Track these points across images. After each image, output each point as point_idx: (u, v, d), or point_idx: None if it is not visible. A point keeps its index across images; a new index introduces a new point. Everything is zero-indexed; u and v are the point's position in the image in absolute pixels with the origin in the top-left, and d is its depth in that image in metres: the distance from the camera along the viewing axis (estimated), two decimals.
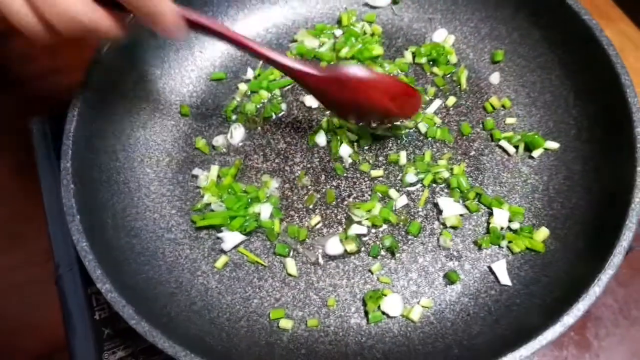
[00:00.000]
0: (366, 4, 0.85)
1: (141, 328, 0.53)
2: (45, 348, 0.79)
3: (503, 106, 0.76)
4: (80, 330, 0.70)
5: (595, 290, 0.53)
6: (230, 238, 0.68)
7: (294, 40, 0.83)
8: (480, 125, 0.75)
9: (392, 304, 0.63)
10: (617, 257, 0.54)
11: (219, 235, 0.69)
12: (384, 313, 0.63)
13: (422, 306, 0.63)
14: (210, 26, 0.60)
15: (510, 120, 0.74)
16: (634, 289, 0.81)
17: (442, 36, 0.81)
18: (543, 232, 0.65)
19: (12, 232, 0.91)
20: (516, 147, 0.72)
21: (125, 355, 0.68)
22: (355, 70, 0.65)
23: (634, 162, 0.59)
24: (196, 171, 0.74)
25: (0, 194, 0.95)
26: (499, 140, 0.73)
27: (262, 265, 0.67)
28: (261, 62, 0.82)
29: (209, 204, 0.71)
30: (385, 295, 0.63)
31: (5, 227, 0.91)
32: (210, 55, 0.82)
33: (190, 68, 0.80)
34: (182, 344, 0.52)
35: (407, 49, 0.81)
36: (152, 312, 0.57)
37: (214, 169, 0.73)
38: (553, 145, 0.71)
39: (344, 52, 0.80)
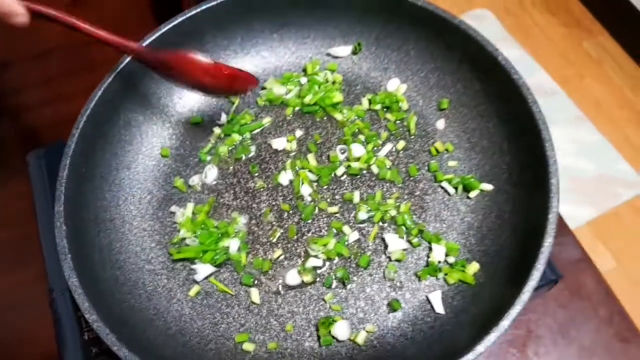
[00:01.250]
0: (329, 54, 0.94)
1: (122, 353, 0.61)
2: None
3: (446, 150, 0.84)
4: (71, 348, 0.79)
5: (504, 324, 0.62)
6: (203, 269, 0.77)
7: (264, 88, 0.92)
8: (426, 167, 0.84)
9: (340, 330, 0.72)
10: (525, 294, 0.63)
11: (193, 266, 0.78)
12: (334, 337, 0.72)
13: (367, 331, 0.72)
14: (47, 13, 0.70)
15: (452, 163, 0.83)
16: (573, 311, 0.90)
17: (395, 85, 0.90)
18: (474, 266, 0.74)
19: (14, 254, 1.00)
20: (456, 188, 0.81)
21: None
22: (180, 53, 0.75)
23: (546, 210, 0.68)
24: (174, 208, 0.83)
25: (3, 218, 1.03)
26: (441, 181, 0.82)
27: (229, 293, 0.76)
28: (234, 107, 0.91)
29: (184, 239, 0.80)
30: (336, 322, 0.72)
31: (7, 250, 0.99)
32: (188, 102, 0.90)
33: (170, 114, 0.89)
34: None
35: (364, 96, 0.90)
36: (132, 337, 0.66)
37: (190, 207, 0.82)
38: (487, 187, 0.79)
39: (308, 99, 0.89)
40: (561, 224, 0.96)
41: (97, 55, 0.80)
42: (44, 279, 0.86)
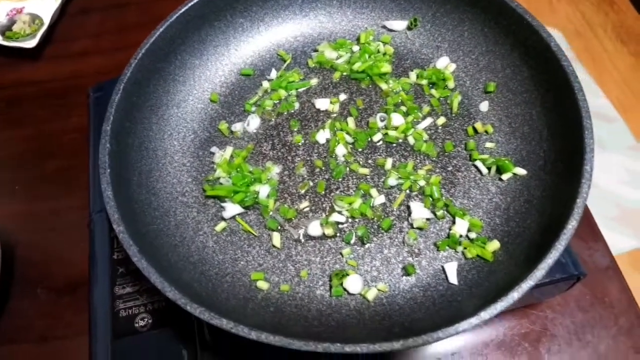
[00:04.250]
0: (384, 27, 0.94)
1: (141, 264, 0.64)
2: (73, 278, 0.92)
3: (486, 131, 0.83)
4: (101, 265, 0.83)
5: (514, 295, 0.60)
6: (231, 208, 0.79)
7: (316, 50, 0.93)
8: (462, 145, 0.83)
9: (353, 283, 0.72)
10: (539, 271, 0.61)
11: (223, 204, 0.79)
12: (345, 289, 0.72)
13: (378, 289, 0.72)
14: None
15: (489, 145, 0.82)
16: (593, 315, 0.87)
17: (444, 63, 0.89)
18: (494, 244, 0.72)
19: (62, 182, 1.05)
20: (489, 168, 0.79)
21: (132, 291, 0.80)
22: None
23: (575, 195, 0.66)
24: (214, 149, 0.85)
25: (59, 148, 1.09)
26: (475, 160, 0.80)
27: (253, 234, 0.78)
28: (285, 65, 0.92)
29: (219, 178, 0.82)
30: (349, 275, 0.72)
31: (56, 178, 1.05)
32: (243, 53, 0.93)
33: (224, 62, 0.92)
34: (171, 282, 0.63)
35: (412, 70, 0.90)
36: (154, 255, 0.68)
37: (229, 150, 0.84)
38: (521, 171, 0.78)
39: (357, 66, 0.89)
40: (595, 230, 0.93)
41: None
42: (87, 208, 0.90)
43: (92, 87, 1.01)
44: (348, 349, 0.57)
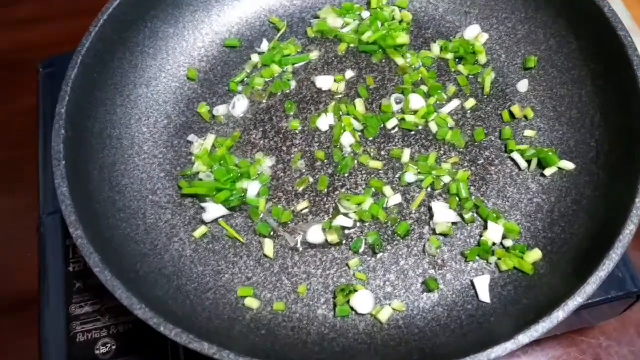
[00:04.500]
0: None
1: (103, 277, 0.65)
2: (19, 295, 0.93)
3: (525, 116, 0.84)
4: (53, 279, 0.84)
5: (558, 315, 0.61)
6: (213, 209, 0.80)
7: (317, 16, 0.94)
8: (496, 134, 0.84)
9: (362, 301, 0.73)
10: (589, 286, 0.62)
11: (203, 205, 0.81)
12: (352, 308, 0.73)
13: (393, 308, 0.73)
14: None
15: (528, 133, 0.83)
16: None
17: (474, 32, 0.90)
18: (535, 254, 0.73)
19: (6, 177, 1.06)
20: (529, 161, 0.80)
21: (92, 311, 0.81)
22: None
23: (634, 194, 0.67)
24: (192, 137, 0.86)
25: (4, 136, 1.10)
26: (512, 151, 0.81)
27: (239, 241, 0.79)
28: (278, 34, 0.93)
29: (198, 173, 0.83)
30: (357, 291, 0.73)
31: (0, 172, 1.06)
32: (227, 20, 0.94)
33: (205, 31, 0.93)
34: (140, 298, 0.64)
35: (434, 42, 0.91)
36: (119, 266, 0.69)
37: (210, 138, 0.85)
38: (568, 165, 0.78)
39: (367, 36, 0.90)
40: None
41: None
42: (36, 209, 0.91)
43: (42, 61, 1.02)
44: None
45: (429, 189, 0.81)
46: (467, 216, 0.78)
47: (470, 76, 0.88)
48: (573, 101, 0.82)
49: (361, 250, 0.77)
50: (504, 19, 0.90)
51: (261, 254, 0.78)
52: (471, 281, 0.74)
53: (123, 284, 0.64)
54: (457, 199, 0.79)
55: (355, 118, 0.85)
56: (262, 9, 0.96)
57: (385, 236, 0.78)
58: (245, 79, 0.91)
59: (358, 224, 0.79)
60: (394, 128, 0.85)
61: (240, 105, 0.88)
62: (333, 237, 0.78)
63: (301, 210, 0.80)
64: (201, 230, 0.79)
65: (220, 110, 0.88)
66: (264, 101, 0.89)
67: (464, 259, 0.76)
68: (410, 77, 0.88)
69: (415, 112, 0.85)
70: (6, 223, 1.00)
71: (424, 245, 0.77)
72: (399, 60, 0.90)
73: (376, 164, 0.82)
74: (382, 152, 0.84)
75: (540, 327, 0.61)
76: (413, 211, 0.79)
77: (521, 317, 0.68)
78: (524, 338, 0.60)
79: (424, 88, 0.87)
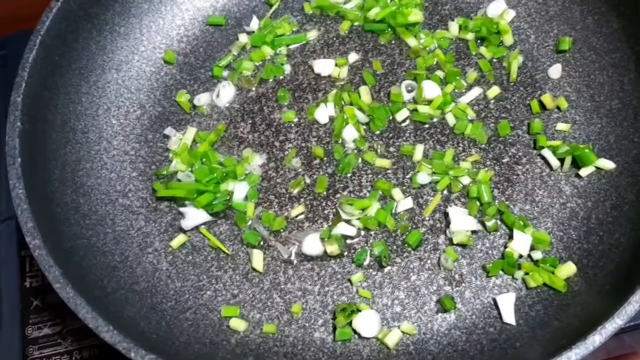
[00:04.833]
0: None
1: (65, 293, 0.65)
2: None
3: (558, 107, 0.84)
4: (7, 296, 0.84)
5: (595, 339, 0.61)
6: (193, 215, 0.80)
7: None
8: (524, 127, 0.84)
9: (366, 323, 0.73)
10: (631, 306, 0.62)
11: (181, 210, 0.81)
12: (355, 331, 0.73)
13: (403, 331, 0.73)
14: None
15: (562, 127, 0.83)
16: None
17: (499, 9, 0.90)
18: (569, 268, 0.74)
19: None
20: (562, 160, 0.81)
21: (52, 333, 0.81)
22: None
23: None
24: (169, 131, 0.86)
25: None
26: (543, 148, 0.82)
27: (224, 252, 0.79)
28: (271, 11, 0.94)
29: (176, 172, 0.83)
30: (361, 311, 0.74)
31: None
32: None
33: (185, 7, 0.93)
34: (108, 318, 0.64)
35: (453, 20, 0.91)
36: (83, 281, 0.69)
37: (191, 131, 0.85)
38: (608, 164, 0.79)
39: (373, 13, 0.90)
40: None
41: None
42: None
43: None
44: None
45: (445, 192, 0.81)
46: (489, 224, 0.78)
47: (494, 60, 0.89)
48: (614, 89, 0.82)
49: (366, 263, 0.78)
50: None
51: (249, 268, 0.78)
52: (494, 300, 0.75)
53: (88, 303, 0.64)
54: (477, 203, 0.80)
55: (360, 109, 0.86)
56: None
57: (394, 247, 0.78)
58: (232, 63, 0.91)
59: (362, 232, 0.79)
60: (404, 121, 0.86)
61: (225, 94, 0.88)
62: (333, 248, 0.78)
63: (296, 216, 0.81)
64: (179, 239, 0.80)
65: (202, 99, 0.88)
66: (254, 89, 0.89)
67: (485, 273, 0.76)
68: (424, 61, 0.88)
69: (429, 102, 0.86)
70: None
71: (439, 258, 0.77)
72: (411, 41, 0.90)
73: (384, 163, 0.83)
74: (391, 149, 0.84)
75: (574, 354, 0.61)
76: (426, 218, 0.80)
77: (552, 342, 0.68)
78: None
79: (440, 74, 0.88)
